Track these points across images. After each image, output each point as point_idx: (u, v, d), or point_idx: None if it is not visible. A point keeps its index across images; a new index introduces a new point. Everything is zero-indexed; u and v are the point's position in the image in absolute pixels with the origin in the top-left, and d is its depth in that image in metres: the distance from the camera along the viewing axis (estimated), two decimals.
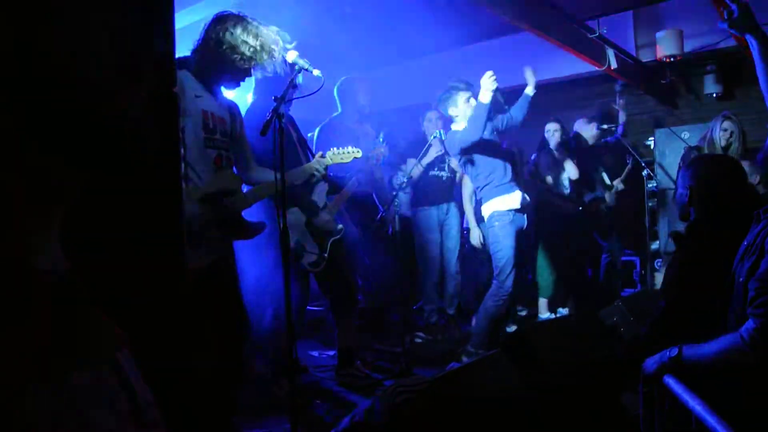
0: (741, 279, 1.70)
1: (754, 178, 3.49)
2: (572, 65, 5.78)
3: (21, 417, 0.39)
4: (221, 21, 2.61)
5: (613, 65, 5.22)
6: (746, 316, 1.64)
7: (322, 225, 3.45)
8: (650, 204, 6.16)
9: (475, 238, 4.88)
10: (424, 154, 4.66)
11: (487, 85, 3.73)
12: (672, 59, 5.62)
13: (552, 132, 5.38)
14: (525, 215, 4.09)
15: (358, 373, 3.67)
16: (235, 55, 2.57)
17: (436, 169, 4.85)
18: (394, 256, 4.50)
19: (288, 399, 2.49)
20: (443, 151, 4.67)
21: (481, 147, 3.99)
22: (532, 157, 5.50)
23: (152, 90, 0.55)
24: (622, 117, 6.19)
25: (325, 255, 3.44)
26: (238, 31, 2.57)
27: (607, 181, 5.69)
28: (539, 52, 5.50)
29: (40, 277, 0.48)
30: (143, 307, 1.19)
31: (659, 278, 5.91)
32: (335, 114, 4.25)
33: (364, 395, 3.39)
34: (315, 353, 4.41)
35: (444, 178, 4.86)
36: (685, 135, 5.74)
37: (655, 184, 6.13)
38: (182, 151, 2.44)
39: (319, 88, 2.70)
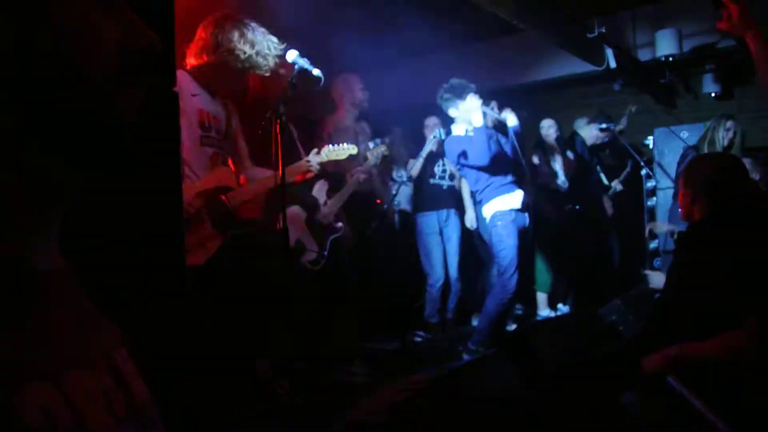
0: (749, 276, 1.69)
1: (755, 176, 3.49)
2: (571, 65, 5.77)
3: (17, 417, 0.38)
4: (220, 23, 2.62)
5: (612, 65, 5.22)
6: (751, 314, 1.63)
7: (323, 223, 3.46)
8: (649, 203, 6.16)
9: (469, 219, 4.89)
10: (424, 151, 4.66)
11: (473, 108, 3.81)
12: (671, 59, 5.62)
13: (547, 128, 5.39)
14: (526, 214, 4.10)
15: (358, 371, 3.67)
16: (233, 59, 2.59)
17: (437, 177, 4.85)
18: (394, 253, 4.50)
19: (288, 398, 2.49)
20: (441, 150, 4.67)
21: (481, 167, 4.04)
22: (530, 156, 5.50)
23: (152, 90, 0.55)
24: (624, 122, 6.18)
25: (325, 253, 3.44)
26: (236, 36, 2.59)
27: (605, 181, 5.69)
28: (538, 52, 5.50)
29: (38, 277, 0.48)
30: (143, 306, 1.19)
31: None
32: (333, 112, 4.26)
33: (364, 394, 3.39)
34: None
35: (444, 187, 4.88)
36: (684, 134, 5.73)
37: (653, 183, 6.13)
38: None
39: (319, 87, 2.71)
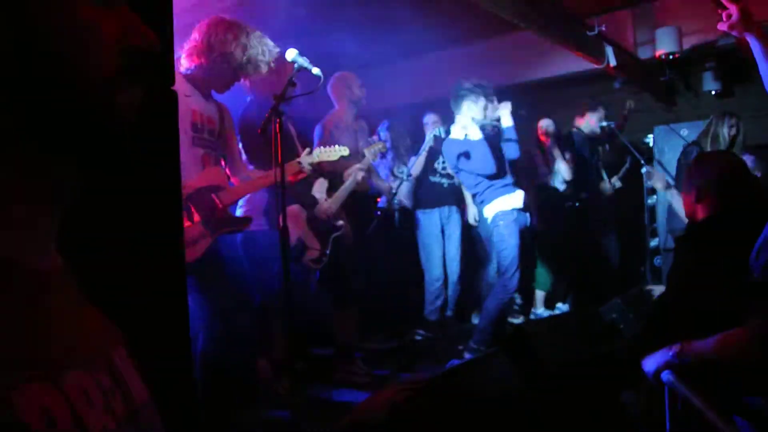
0: (756, 274, 1.69)
1: (756, 174, 3.49)
2: (571, 63, 5.77)
3: (17, 417, 0.38)
4: (213, 26, 2.66)
5: (612, 63, 5.21)
6: (757, 311, 1.63)
7: (321, 216, 3.47)
8: (649, 201, 6.16)
9: (471, 215, 4.89)
10: (423, 149, 4.66)
11: (467, 123, 3.84)
12: (671, 56, 5.61)
13: (545, 128, 5.40)
14: (528, 214, 4.12)
15: (357, 370, 3.67)
16: (225, 63, 2.64)
17: (438, 174, 4.85)
18: (395, 250, 4.50)
19: (289, 397, 2.49)
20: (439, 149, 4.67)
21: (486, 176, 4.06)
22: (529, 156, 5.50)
23: (151, 90, 0.55)
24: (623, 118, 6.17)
25: (327, 251, 3.45)
26: (229, 40, 2.64)
27: (605, 177, 5.69)
28: (538, 50, 5.50)
29: (37, 276, 0.48)
30: (142, 306, 1.19)
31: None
32: (332, 110, 4.26)
33: (364, 392, 3.40)
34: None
35: (445, 185, 4.87)
36: (684, 132, 5.73)
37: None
38: None
39: (318, 85, 2.72)
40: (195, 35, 2.67)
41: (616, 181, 5.71)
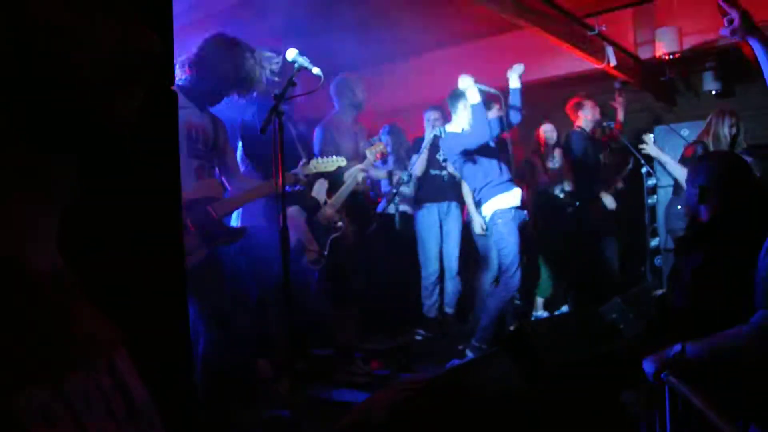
0: (763, 274, 1.68)
1: (756, 174, 3.49)
2: (571, 63, 5.76)
3: (17, 419, 0.38)
4: (210, 42, 2.71)
5: (613, 63, 5.21)
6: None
7: (323, 222, 3.47)
8: (650, 201, 6.16)
9: (477, 225, 4.88)
10: (424, 147, 4.66)
11: (466, 85, 3.83)
12: (671, 56, 5.61)
13: (549, 133, 5.40)
14: (526, 211, 4.12)
15: (358, 370, 3.67)
16: (215, 79, 2.70)
17: (437, 168, 4.84)
18: (394, 252, 4.50)
19: (289, 397, 2.49)
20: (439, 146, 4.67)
21: (477, 149, 4.05)
22: (528, 159, 5.51)
23: (152, 90, 0.55)
24: (620, 115, 6.17)
25: (326, 253, 3.45)
26: (222, 56, 2.69)
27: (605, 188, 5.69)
28: (538, 50, 5.49)
29: (37, 277, 0.48)
30: (142, 306, 1.19)
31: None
32: (333, 112, 4.26)
33: (364, 392, 3.40)
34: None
35: (445, 178, 4.86)
36: (685, 132, 5.73)
37: (654, 181, 6.13)
38: None
39: (318, 86, 2.72)
40: (196, 50, 2.73)
41: (619, 182, 5.71)
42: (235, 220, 3.21)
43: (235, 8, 3.98)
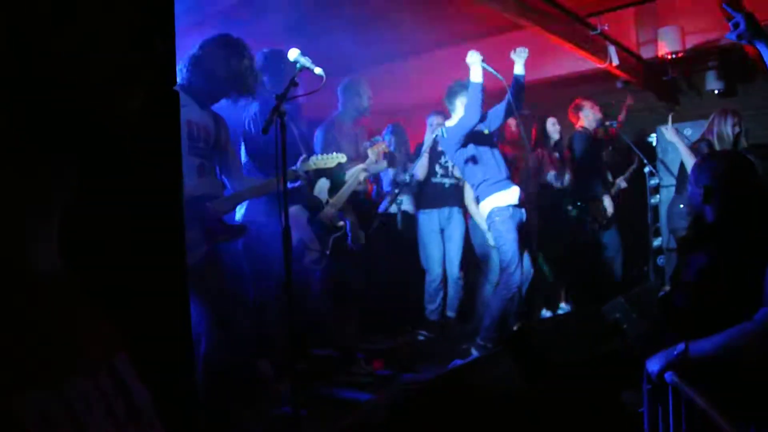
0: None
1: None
2: (573, 62, 5.76)
3: (17, 422, 0.38)
4: (212, 43, 2.73)
5: (615, 62, 5.20)
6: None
7: (326, 221, 3.47)
8: (652, 201, 6.15)
9: (491, 238, 4.86)
10: (425, 150, 4.66)
11: (474, 61, 3.81)
12: (673, 56, 5.60)
13: (551, 126, 5.40)
14: (523, 209, 4.11)
15: (360, 371, 3.67)
16: (216, 80, 2.71)
17: (438, 176, 4.85)
18: (396, 252, 4.50)
19: (290, 398, 2.49)
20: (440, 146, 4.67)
21: (476, 144, 4.04)
22: (532, 154, 5.49)
23: (152, 90, 0.55)
24: (622, 115, 6.16)
25: (327, 252, 3.45)
26: (225, 57, 2.71)
27: (610, 178, 5.69)
28: (540, 50, 5.48)
29: (36, 278, 0.48)
30: (143, 307, 1.19)
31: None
32: (335, 113, 4.26)
33: (367, 392, 3.39)
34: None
35: (447, 185, 4.86)
36: (688, 132, 5.73)
37: (657, 181, 6.12)
38: None
39: (320, 86, 2.72)
40: (198, 50, 2.74)
41: (621, 182, 5.70)
42: (237, 219, 3.21)
43: (237, 8, 3.99)
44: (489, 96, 4.02)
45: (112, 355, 0.53)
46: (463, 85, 4.06)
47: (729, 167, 2.13)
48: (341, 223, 3.56)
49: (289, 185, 3.11)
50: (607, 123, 5.54)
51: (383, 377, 3.68)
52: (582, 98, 5.50)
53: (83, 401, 0.45)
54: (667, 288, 4.68)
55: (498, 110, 4.16)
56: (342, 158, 3.28)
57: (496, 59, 4.14)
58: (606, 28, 4.89)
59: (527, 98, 4.28)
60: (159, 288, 1.27)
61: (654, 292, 4.43)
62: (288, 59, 2.77)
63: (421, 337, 4.75)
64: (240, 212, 3.22)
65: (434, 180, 4.85)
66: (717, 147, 4.25)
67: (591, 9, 5.14)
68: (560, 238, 5.27)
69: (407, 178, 4.34)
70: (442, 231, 4.87)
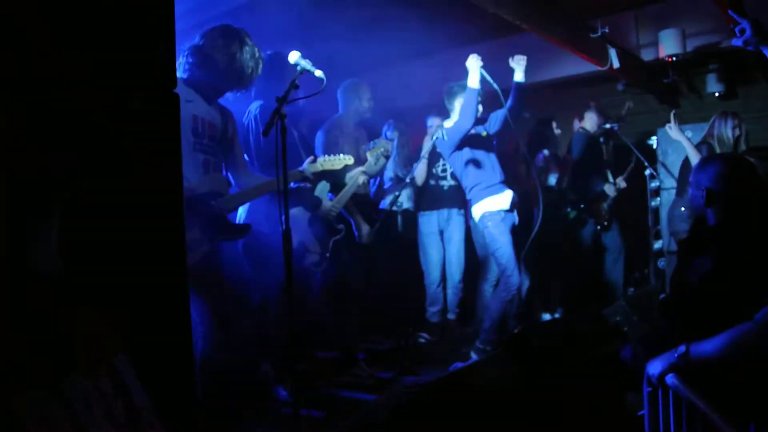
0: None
1: None
2: (574, 65, 5.76)
3: (18, 423, 0.38)
4: (219, 34, 2.67)
5: (616, 65, 5.21)
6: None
7: (322, 215, 3.47)
8: (653, 203, 6.15)
9: (486, 241, 4.87)
10: (423, 155, 4.67)
11: (473, 66, 3.81)
12: (674, 58, 5.60)
13: (555, 128, 5.42)
14: (515, 213, 4.11)
15: (361, 372, 3.67)
16: (216, 71, 2.65)
17: (437, 178, 4.85)
18: (397, 253, 4.50)
19: (291, 399, 2.49)
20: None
21: (472, 147, 4.04)
22: (540, 156, 5.50)
23: (152, 90, 0.55)
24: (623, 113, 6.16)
25: (328, 255, 3.44)
26: (219, 45, 2.65)
27: (610, 178, 5.69)
28: (541, 52, 5.49)
29: (37, 279, 0.48)
30: (143, 308, 1.19)
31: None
32: (336, 115, 4.27)
33: (369, 394, 3.39)
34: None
35: (445, 187, 4.86)
36: (688, 134, 5.72)
37: (657, 183, 6.12)
38: None
39: (321, 88, 2.71)
40: (200, 40, 2.68)
41: (621, 182, 5.71)
42: (238, 220, 3.20)
43: (237, 11, 3.99)
44: (492, 98, 4.02)
45: (112, 356, 0.53)
46: (462, 86, 4.06)
47: (730, 169, 2.12)
48: (341, 225, 3.56)
49: (295, 185, 3.10)
50: (608, 126, 5.54)
51: (384, 379, 3.68)
52: (595, 104, 5.52)
53: (83, 401, 0.45)
54: (668, 291, 4.68)
55: (498, 115, 4.16)
56: (349, 160, 3.27)
57: (497, 62, 4.14)
58: (606, 30, 4.89)
59: (528, 101, 4.27)
60: (159, 288, 1.27)
61: (654, 295, 4.43)
62: (288, 62, 2.76)
63: (421, 340, 4.75)
64: (241, 213, 3.21)
65: (433, 182, 4.86)
66: (717, 150, 4.25)
67: (592, 12, 5.14)
68: (560, 239, 5.27)
69: (407, 179, 4.35)
70: (441, 233, 4.87)
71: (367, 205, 4.44)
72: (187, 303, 1.37)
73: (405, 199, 4.84)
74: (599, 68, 5.33)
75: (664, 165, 6.13)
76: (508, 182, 4.14)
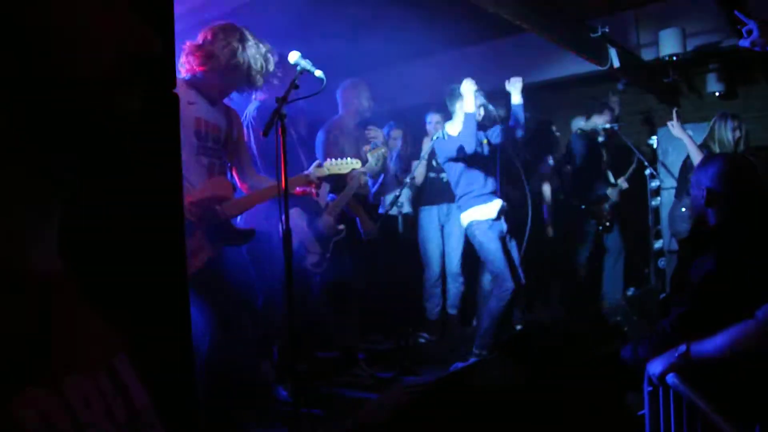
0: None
1: None
2: (574, 65, 5.76)
3: (16, 423, 0.38)
4: (221, 33, 2.60)
5: (616, 64, 5.20)
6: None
7: (326, 231, 3.45)
8: (653, 203, 6.15)
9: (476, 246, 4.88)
10: (423, 156, 4.67)
11: (467, 90, 3.83)
12: (674, 58, 5.60)
13: (554, 131, 5.42)
14: (503, 220, 4.12)
15: (361, 372, 3.67)
16: (217, 69, 2.57)
17: (435, 171, 4.85)
18: (397, 253, 4.50)
19: (292, 399, 2.48)
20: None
21: (465, 157, 4.06)
22: (550, 161, 5.50)
23: (152, 90, 0.54)
24: (616, 108, 6.14)
25: (328, 255, 3.44)
26: (236, 43, 2.59)
27: (612, 179, 5.69)
28: (541, 52, 5.49)
29: (36, 278, 0.48)
30: (143, 308, 1.19)
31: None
32: (336, 116, 4.27)
33: (369, 394, 3.39)
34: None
35: (444, 180, 4.86)
36: (689, 134, 5.72)
37: (657, 183, 6.12)
38: None
39: (321, 89, 2.70)
40: (201, 41, 2.62)
41: (623, 182, 5.70)
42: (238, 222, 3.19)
43: (237, 10, 3.99)
44: (506, 95, 4.04)
45: (112, 355, 0.53)
46: (456, 89, 4.08)
47: (731, 169, 2.11)
48: (341, 226, 3.56)
49: (300, 190, 3.06)
50: (607, 126, 5.54)
51: (384, 380, 3.68)
52: (601, 108, 5.53)
53: (83, 402, 0.45)
54: (668, 291, 4.68)
55: (498, 130, 4.18)
56: (357, 164, 3.21)
57: (497, 62, 4.15)
58: (607, 30, 4.89)
59: (527, 101, 4.28)
60: (159, 288, 1.27)
61: (655, 295, 4.43)
62: (288, 62, 2.74)
63: (422, 340, 4.74)
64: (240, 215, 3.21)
65: (432, 175, 4.86)
66: (717, 151, 4.25)
67: (592, 11, 5.14)
68: (560, 240, 5.27)
69: (407, 180, 4.35)
70: (442, 227, 4.87)
71: (367, 206, 4.44)
72: (187, 303, 1.37)
73: (405, 201, 4.84)
74: (599, 68, 5.32)
75: (664, 165, 6.13)
76: (502, 190, 4.17)
